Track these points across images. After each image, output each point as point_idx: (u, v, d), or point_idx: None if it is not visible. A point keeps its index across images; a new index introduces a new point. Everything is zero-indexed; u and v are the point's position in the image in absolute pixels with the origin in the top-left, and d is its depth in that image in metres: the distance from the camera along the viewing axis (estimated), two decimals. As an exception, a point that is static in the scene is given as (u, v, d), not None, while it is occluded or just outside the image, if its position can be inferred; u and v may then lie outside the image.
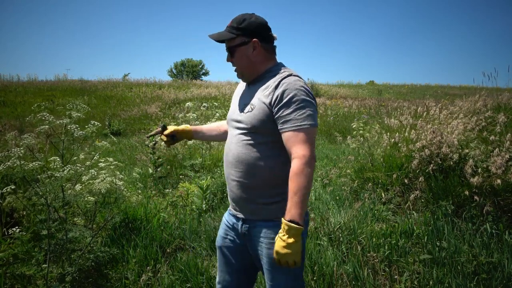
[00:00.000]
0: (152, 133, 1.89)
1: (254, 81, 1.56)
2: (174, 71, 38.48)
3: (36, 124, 2.21)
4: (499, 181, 2.99)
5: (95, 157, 2.50)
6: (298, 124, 1.37)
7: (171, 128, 1.82)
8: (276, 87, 1.43)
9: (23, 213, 2.87)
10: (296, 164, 1.34)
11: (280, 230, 1.33)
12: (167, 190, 4.44)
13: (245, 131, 1.49)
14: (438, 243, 2.72)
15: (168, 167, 5.27)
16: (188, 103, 5.90)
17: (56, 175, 2.09)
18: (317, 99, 9.81)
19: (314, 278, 2.44)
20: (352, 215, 3.29)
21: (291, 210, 1.31)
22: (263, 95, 1.46)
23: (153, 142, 4.90)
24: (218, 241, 1.70)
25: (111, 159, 2.65)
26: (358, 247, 2.73)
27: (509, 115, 4.11)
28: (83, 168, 2.30)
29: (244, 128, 1.49)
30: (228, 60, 1.57)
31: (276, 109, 1.41)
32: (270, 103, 1.42)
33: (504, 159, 3.09)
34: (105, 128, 10.99)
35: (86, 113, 2.48)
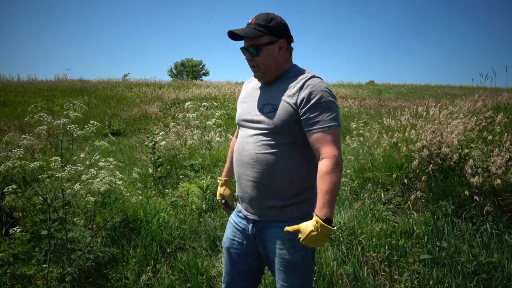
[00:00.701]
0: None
1: (272, 81, 1.55)
2: (174, 71, 38.55)
3: (35, 125, 2.21)
4: (499, 181, 2.99)
5: (94, 157, 2.50)
6: (326, 125, 1.39)
7: (221, 199, 1.89)
8: (301, 88, 1.43)
9: (23, 213, 2.87)
10: (326, 164, 1.36)
11: (310, 225, 1.33)
12: (167, 190, 4.44)
13: (266, 131, 1.48)
14: (438, 243, 2.72)
15: (168, 167, 5.26)
16: (188, 103, 5.89)
17: (56, 175, 2.09)
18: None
19: (314, 278, 2.44)
20: (352, 215, 3.29)
21: (323, 209, 1.33)
22: (286, 96, 1.46)
23: (153, 142, 4.90)
24: (226, 242, 1.70)
25: (111, 159, 2.65)
26: (358, 247, 2.73)
27: (509, 115, 4.11)
28: (82, 168, 2.30)
29: (265, 128, 1.48)
30: (248, 58, 1.54)
31: (303, 110, 1.42)
32: (295, 103, 1.43)
33: (504, 159, 3.09)
34: (105, 128, 10.97)
35: (86, 113, 2.48)
